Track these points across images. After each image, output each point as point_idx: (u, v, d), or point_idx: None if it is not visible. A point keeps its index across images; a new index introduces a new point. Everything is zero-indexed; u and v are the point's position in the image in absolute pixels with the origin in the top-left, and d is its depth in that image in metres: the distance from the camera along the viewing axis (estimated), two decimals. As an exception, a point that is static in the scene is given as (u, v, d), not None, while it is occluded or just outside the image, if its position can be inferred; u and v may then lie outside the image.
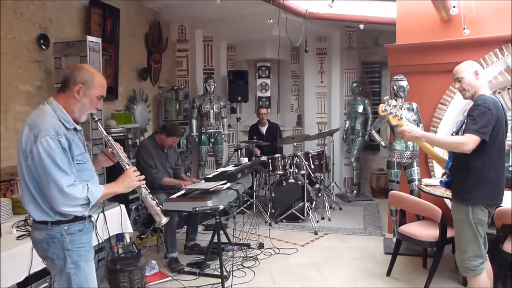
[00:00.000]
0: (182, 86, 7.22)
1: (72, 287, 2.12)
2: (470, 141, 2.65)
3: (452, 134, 3.02)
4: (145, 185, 2.38)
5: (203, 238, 5.03)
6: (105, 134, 2.36)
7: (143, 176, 2.35)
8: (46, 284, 2.97)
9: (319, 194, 6.37)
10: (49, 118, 2.07)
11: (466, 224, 2.78)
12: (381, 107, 2.93)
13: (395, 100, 4.75)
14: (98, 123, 2.35)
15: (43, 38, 4.40)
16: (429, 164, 4.91)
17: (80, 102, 2.16)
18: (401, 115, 2.90)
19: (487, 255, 2.92)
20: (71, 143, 2.08)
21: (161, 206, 2.46)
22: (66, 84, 2.15)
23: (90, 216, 2.26)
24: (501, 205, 2.98)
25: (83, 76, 2.15)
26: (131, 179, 2.29)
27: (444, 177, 3.06)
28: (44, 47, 4.41)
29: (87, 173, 2.20)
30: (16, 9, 4.12)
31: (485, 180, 2.73)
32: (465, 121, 2.83)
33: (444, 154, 3.29)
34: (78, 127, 2.20)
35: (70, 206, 2.03)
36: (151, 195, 2.41)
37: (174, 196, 4.04)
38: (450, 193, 3.47)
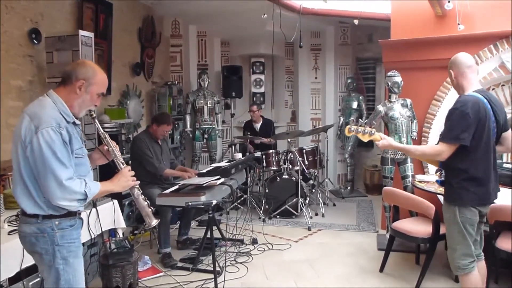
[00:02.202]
0: (176, 82, 7.19)
1: (60, 283, 2.11)
2: (444, 151, 2.61)
3: (440, 136, 2.98)
4: (138, 186, 2.37)
5: (197, 233, 5.03)
6: (102, 131, 2.35)
7: (135, 178, 2.34)
8: (38, 279, 2.94)
9: (313, 190, 6.37)
10: (50, 110, 2.06)
11: (453, 223, 2.74)
12: (347, 129, 2.87)
13: (390, 97, 4.76)
14: (96, 120, 2.34)
15: (35, 32, 4.35)
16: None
17: (81, 98, 2.16)
18: (371, 131, 2.80)
19: (482, 254, 2.89)
20: (71, 136, 2.07)
21: (152, 208, 2.44)
22: (68, 79, 2.15)
23: (80, 213, 2.25)
24: (494, 201, 2.97)
25: (85, 72, 2.15)
26: (127, 178, 2.29)
27: (438, 172, 3.05)
28: (35, 42, 4.36)
29: (84, 168, 2.20)
30: (7, 4, 4.06)
31: (472, 182, 2.66)
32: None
33: None
34: (77, 121, 2.20)
35: (67, 200, 2.01)
36: (143, 196, 2.40)
37: (168, 191, 4.04)
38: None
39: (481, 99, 2.65)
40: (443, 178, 2.91)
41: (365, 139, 2.83)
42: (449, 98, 4.67)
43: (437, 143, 2.78)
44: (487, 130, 2.65)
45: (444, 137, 2.64)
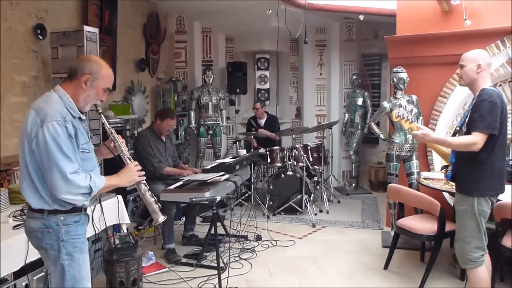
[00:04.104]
0: (181, 78, 7.18)
1: (66, 278, 2.11)
2: (479, 140, 2.65)
3: (456, 129, 2.99)
4: (145, 181, 2.35)
5: (201, 229, 5.03)
6: (108, 126, 2.33)
7: (143, 173, 2.33)
8: (43, 274, 2.95)
9: (318, 187, 6.35)
10: (56, 104, 2.06)
11: (470, 215, 2.77)
12: (395, 113, 3.04)
13: (395, 93, 4.74)
14: (102, 116, 2.33)
15: (40, 28, 4.35)
16: (428, 157, 4.89)
17: (86, 93, 2.15)
18: (412, 119, 2.95)
19: (486, 248, 2.91)
20: (77, 131, 2.07)
21: (159, 204, 2.42)
22: (74, 74, 2.14)
23: (86, 209, 2.24)
24: (499, 199, 2.97)
25: (90, 67, 2.14)
26: (133, 173, 2.27)
27: (444, 169, 3.05)
28: (40, 37, 4.36)
29: (91, 162, 2.19)
30: (12, 0, 4.07)
31: (491, 171, 2.73)
32: (468, 115, 2.80)
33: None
34: (83, 117, 2.19)
35: (71, 194, 2.01)
36: (150, 192, 2.38)
37: (172, 187, 4.03)
38: (451, 187, 3.44)
39: (500, 93, 2.75)
40: (452, 173, 2.93)
41: (407, 126, 2.98)
42: (455, 95, 4.64)
43: (453, 134, 2.84)
44: (505, 122, 2.74)
45: (477, 127, 2.67)
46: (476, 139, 2.65)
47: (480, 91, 2.75)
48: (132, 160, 2.34)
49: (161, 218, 2.42)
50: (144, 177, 2.34)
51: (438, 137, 3.03)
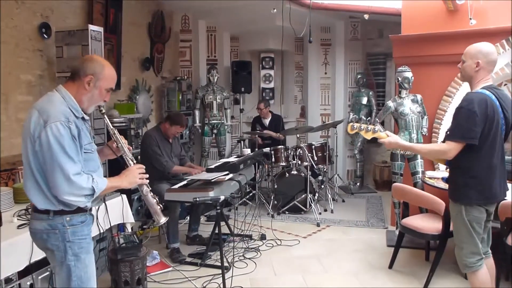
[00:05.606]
0: (185, 77, 7.18)
1: (72, 279, 2.10)
2: (451, 149, 2.56)
3: (446, 132, 2.90)
4: (147, 183, 2.34)
5: (206, 229, 5.03)
6: (111, 127, 2.33)
7: (147, 175, 2.32)
8: (47, 273, 2.97)
9: (322, 186, 6.35)
10: (59, 105, 2.05)
11: (460, 222, 2.69)
12: (350, 126, 2.78)
13: (400, 92, 4.72)
14: (105, 116, 2.32)
15: (45, 27, 4.37)
16: (433, 156, 4.87)
17: (90, 93, 2.14)
18: (374, 128, 2.75)
19: (490, 251, 2.87)
20: (80, 131, 2.06)
21: (161, 206, 2.41)
22: (76, 75, 2.13)
23: (91, 209, 2.23)
24: (505, 198, 2.93)
25: (93, 68, 2.13)
26: (134, 175, 2.26)
27: (448, 170, 3.01)
28: (45, 36, 4.38)
29: (93, 163, 2.18)
30: (17, -2, 4.10)
31: (477, 179, 2.60)
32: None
33: None
34: (86, 117, 2.18)
35: (74, 195, 2.00)
36: (152, 193, 2.38)
37: (176, 186, 4.04)
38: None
39: (488, 96, 2.57)
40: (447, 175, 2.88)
41: (369, 136, 2.79)
42: (460, 94, 4.61)
43: (443, 141, 2.74)
44: (495, 127, 2.59)
45: (451, 136, 2.59)
46: (447, 148, 2.57)
47: (464, 96, 2.64)
48: (135, 162, 2.33)
49: (162, 220, 2.41)
50: (147, 180, 2.33)
51: (406, 144, 2.91)
